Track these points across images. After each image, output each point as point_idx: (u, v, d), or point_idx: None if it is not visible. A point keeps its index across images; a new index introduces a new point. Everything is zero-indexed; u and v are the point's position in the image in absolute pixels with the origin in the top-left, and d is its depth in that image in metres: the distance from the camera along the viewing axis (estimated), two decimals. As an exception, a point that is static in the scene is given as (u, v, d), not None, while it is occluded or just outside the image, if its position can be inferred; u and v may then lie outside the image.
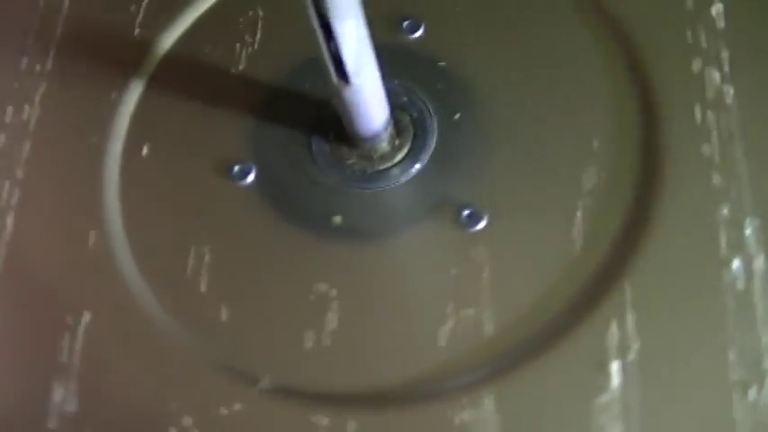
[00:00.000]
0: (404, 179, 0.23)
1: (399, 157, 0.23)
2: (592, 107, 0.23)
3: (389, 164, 0.23)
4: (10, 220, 0.24)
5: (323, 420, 0.20)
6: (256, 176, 0.23)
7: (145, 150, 0.24)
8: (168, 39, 0.27)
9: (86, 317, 0.22)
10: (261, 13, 0.26)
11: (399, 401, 0.20)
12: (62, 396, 0.21)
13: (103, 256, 0.23)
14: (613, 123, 0.23)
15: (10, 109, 0.26)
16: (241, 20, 0.26)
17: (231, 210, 0.23)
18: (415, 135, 0.23)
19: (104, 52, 0.26)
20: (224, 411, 0.20)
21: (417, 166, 0.23)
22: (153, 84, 0.26)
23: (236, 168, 0.24)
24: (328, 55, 0.20)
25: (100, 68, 0.26)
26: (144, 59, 0.26)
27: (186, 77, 0.26)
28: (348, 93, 0.22)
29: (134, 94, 0.26)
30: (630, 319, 0.20)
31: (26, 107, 0.25)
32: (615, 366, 0.20)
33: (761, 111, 0.22)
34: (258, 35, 0.26)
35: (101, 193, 0.24)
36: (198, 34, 0.26)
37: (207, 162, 0.24)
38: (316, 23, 0.20)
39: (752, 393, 0.19)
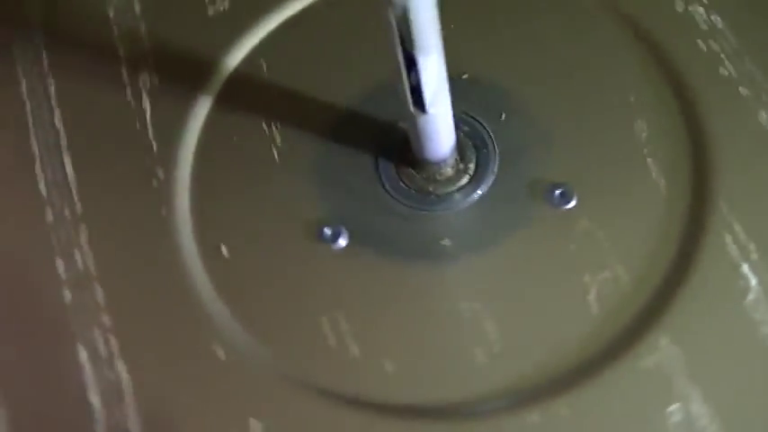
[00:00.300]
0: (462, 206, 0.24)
1: (464, 180, 0.25)
2: (630, 111, 0.25)
3: (453, 187, 0.24)
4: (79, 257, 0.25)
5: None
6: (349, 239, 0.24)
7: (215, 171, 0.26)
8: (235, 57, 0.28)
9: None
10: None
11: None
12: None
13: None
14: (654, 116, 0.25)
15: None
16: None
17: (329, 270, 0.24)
18: (477, 163, 0.25)
19: (177, 71, 0.27)
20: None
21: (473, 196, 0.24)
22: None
23: (328, 232, 0.24)
24: (408, 86, 0.21)
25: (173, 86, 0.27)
26: (211, 78, 0.27)
27: (252, 97, 0.27)
28: (422, 121, 0.23)
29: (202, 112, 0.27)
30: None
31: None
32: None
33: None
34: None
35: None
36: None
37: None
38: (400, 56, 0.21)
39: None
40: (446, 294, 0.24)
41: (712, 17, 0.26)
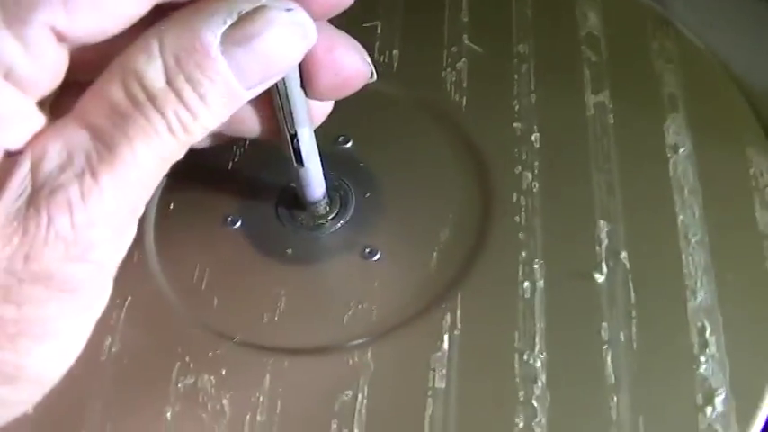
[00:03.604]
0: (332, 230, 0.36)
1: (330, 216, 0.37)
2: (446, 193, 0.37)
3: (324, 221, 0.36)
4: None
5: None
6: (242, 225, 0.37)
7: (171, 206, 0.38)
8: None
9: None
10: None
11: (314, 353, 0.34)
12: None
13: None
14: (459, 210, 0.37)
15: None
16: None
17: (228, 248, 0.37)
18: (340, 205, 0.37)
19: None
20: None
21: (341, 222, 0.37)
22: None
23: (230, 219, 0.37)
24: (291, 148, 0.32)
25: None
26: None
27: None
28: (302, 172, 0.34)
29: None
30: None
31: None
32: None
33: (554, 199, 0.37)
34: (248, 141, 0.39)
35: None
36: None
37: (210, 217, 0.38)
38: (285, 130, 0.32)
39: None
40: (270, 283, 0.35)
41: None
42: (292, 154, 0.33)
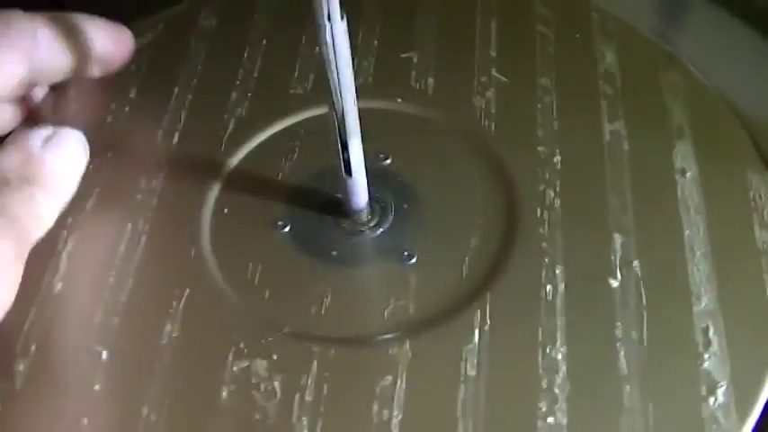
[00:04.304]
0: (373, 236, 0.40)
1: (372, 224, 0.40)
2: (477, 206, 0.40)
3: (366, 228, 0.40)
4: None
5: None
6: (291, 230, 0.41)
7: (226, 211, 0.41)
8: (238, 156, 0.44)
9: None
10: (298, 142, 0.43)
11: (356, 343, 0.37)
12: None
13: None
14: (488, 221, 0.40)
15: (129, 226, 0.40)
16: (286, 145, 0.43)
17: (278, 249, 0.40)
18: (381, 214, 0.40)
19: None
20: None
21: (381, 230, 0.40)
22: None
23: (280, 224, 0.41)
24: (343, 160, 0.36)
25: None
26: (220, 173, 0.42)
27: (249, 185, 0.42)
28: (349, 182, 0.38)
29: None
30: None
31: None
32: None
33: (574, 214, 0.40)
34: (296, 153, 0.43)
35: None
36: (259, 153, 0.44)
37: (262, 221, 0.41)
38: (338, 141, 0.35)
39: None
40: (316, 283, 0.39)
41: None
42: (342, 164, 0.38)
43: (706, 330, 0.36)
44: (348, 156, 0.37)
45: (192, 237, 0.40)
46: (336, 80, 0.34)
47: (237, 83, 0.47)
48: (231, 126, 0.45)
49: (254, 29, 0.50)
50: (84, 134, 0.41)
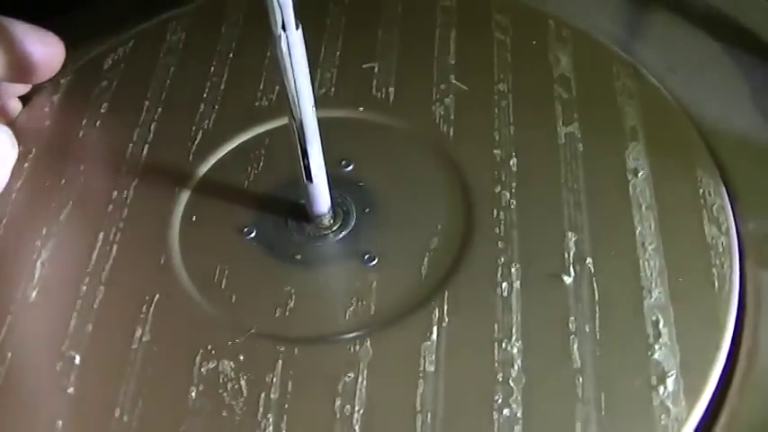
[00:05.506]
0: (336, 239, 0.41)
1: (334, 228, 0.42)
2: (435, 209, 0.42)
3: (329, 231, 0.41)
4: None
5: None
6: (257, 235, 0.42)
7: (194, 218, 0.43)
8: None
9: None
10: (263, 151, 0.45)
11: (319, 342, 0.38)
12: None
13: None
14: (447, 223, 0.42)
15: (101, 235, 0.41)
16: (252, 155, 0.45)
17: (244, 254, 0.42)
18: (343, 218, 0.42)
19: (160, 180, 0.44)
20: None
21: (343, 233, 0.42)
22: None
23: (246, 229, 0.42)
24: (303, 166, 0.37)
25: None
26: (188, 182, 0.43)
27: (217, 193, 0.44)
28: (310, 188, 0.39)
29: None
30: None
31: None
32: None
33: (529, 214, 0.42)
34: (261, 162, 0.44)
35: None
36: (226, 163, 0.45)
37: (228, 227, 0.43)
38: (298, 149, 0.37)
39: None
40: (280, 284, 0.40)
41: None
42: (303, 171, 0.39)
43: (657, 323, 0.38)
44: (308, 162, 0.38)
45: (161, 244, 0.42)
46: (294, 89, 0.35)
47: (205, 95, 0.48)
48: (199, 137, 0.46)
49: (221, 42, 0.51)
50: (58, 148, 0.42)
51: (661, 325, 0.37)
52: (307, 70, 0.35)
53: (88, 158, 0.46)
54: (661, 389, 0.36)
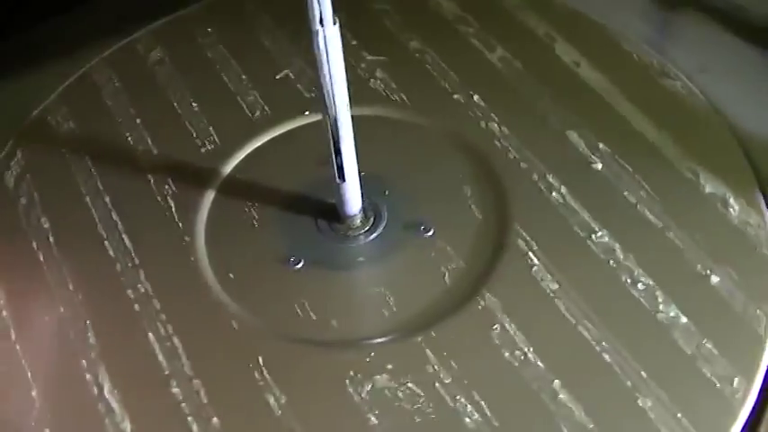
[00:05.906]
0: (367, 240, 0.41)
1: (365, 229, 0.41)
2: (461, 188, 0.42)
3: (360, 233, 0.41)
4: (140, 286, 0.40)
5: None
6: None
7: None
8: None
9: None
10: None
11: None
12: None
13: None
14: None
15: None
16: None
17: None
18: (374, 219, 0.41)
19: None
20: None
21: (374, 235, 0.41)
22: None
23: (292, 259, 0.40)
24: (336, 165, 0.37)
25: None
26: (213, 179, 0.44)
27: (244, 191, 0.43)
28: (342, 187, 0.38)
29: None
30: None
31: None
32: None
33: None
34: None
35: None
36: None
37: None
38: (332, 148, 0.36)
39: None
40: (361, 283, 0.40)
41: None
42: (336, 169, 0.38)
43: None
44: (341, 161, 0.37)
45: (188, 243, 0.41)
46: (329, 85, 0.34)
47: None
48: (220, 137, 0.46)
49: (249, 35, 0.51)
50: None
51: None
52: (342, 66, 0.34)
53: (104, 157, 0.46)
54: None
